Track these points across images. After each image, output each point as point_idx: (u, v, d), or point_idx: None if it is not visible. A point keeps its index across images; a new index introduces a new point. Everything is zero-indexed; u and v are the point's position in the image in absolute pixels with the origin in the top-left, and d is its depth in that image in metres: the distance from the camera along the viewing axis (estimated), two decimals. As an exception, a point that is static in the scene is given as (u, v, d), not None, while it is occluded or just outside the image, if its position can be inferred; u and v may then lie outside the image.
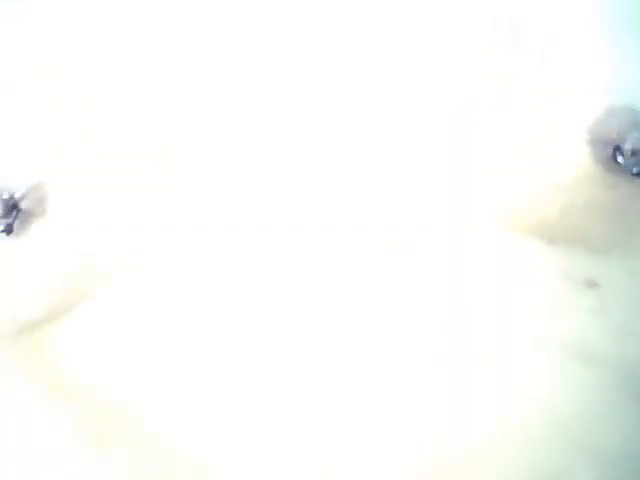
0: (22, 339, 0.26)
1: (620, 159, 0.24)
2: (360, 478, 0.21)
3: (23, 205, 0.25)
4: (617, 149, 0.25)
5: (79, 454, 0.24)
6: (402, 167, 0.26)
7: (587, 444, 0.22)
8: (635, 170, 0.24)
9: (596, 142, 0.25)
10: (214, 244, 0.26)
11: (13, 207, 0.25)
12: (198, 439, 0.23)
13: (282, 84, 0.27)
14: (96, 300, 0.25)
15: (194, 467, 0.22)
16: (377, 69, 0.27)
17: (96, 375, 0.25)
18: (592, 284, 0.25)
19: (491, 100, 0.27)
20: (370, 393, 0.23)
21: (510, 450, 0.22)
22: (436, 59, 0.28)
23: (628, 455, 0.23)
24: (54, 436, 0.25)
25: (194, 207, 0.27)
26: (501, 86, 0.27)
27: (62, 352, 0.25)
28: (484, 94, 0.27)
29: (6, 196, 0.25)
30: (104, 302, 0.25)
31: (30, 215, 0.25)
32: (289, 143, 0.27)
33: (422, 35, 0.28)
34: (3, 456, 0.25)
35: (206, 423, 0.23)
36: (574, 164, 0.25)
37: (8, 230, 0.24)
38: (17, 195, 0.25)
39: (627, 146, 0.24)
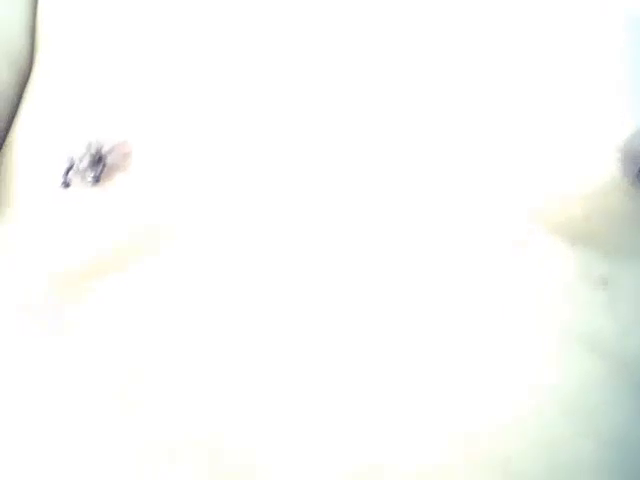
0: (87, 284, 0.28)
1: (644, 175, 0.27)
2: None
3: (109, 159, 0.27)
4: None
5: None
6: (422, 159, 0.28)
7: (592, 426, 0.25)
8: (655, 185, 0.27)
9: (626, 159, 0.27)
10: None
11: (99, 160, 0.27)
12: (215, 410, 0.24)
13: (284, 91, 0.29)
14: (159, 257, 0.27)
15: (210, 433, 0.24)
16: (388, 63, 0.28)
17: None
18: (604, 282, 0.27)
19: (523, 97, 0.29)
20: (379, 384, 0.24)
21: (522, 432, 0.24)
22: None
23: (627, 434, 0.25)
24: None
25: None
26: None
27: (121, 300, 0.27)
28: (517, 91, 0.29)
29: (93, 150, 0.27)
30: (166, 260, 0.27)
31: (115, 168, 0.27)
32: (287, 140, 0.28)
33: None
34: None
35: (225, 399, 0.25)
36: (603, 175, 0.28)
37: (95, 180, 0.27)
38: (104, 149, 0.27)
39: None
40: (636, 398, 0.27)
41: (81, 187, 0.27)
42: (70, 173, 0.27)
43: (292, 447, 0.24)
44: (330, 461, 0.23)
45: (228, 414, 0.24)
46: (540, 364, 0.25)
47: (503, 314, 0.26)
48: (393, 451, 0.23)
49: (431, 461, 0.23)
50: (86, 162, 0.27)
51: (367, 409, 0.24)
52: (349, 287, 0.26)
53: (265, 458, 0.24)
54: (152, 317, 0.26)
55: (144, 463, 0.25)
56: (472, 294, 0.26)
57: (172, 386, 0.25)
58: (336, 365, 0.24)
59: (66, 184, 0.27)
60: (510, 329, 0.26)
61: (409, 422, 0.24)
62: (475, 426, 0.24)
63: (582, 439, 0.24)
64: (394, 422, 0.24)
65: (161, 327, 0.26)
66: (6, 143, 0.31)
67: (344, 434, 0.23)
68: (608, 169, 0.27)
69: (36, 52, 0.32)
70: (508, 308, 0.26)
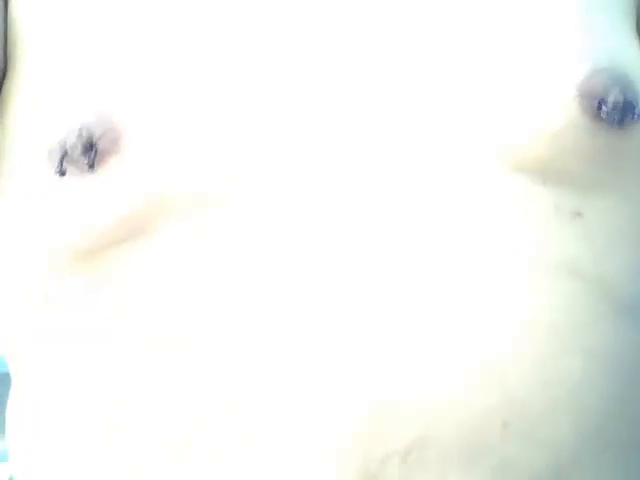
0: (92, 259, 0.29)
1: (604, 111, 0.29)
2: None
3: (100, 145, 0.28)
4: (601, 102, 0.29)
5: None
6: (395, 104, 0.29)
7: (576, 342, 0.27)
8: (616, 120, 0.29)
9: (583, 96, 0.29)
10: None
11: (91, 146, 0.28)
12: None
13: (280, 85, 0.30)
14: (159, 233, 0.28)
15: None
16: (374, 43, 0.30)
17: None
18: (578, 215, 0.29)
19: (487, 45, 0.30)
20: (381, 319, 0.26)
21: (516, 351, 0.26)
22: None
23: (609, 350, 0.27)
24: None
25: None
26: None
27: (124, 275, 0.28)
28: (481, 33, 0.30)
29: (85, 137, 0.28)
30: (166, 236, 0.28)
31: (107, 153, 0.28)
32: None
33: None
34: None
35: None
36: (565, 114, 0.29)
37: (90, 165, 0.28)
38: (95, 135, 0.28)
39: (609, 99, 0.29)
40: (615, 317, 0.28)
41: (76, 174, 0.28)
42: (64, 161, 0.28)
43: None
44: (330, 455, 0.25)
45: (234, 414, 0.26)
46: (524, 291, 0.27)
47: (489, 251, 0.28)
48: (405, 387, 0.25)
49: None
50: (79, 150, 0.28)
51: (374, 353, 0.25)
52: (353, 248, 0.27)
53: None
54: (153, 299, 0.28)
55: (145, 462, 0.26)
56: (458, 237, 0.28)
57: (173, 381, 0.27)
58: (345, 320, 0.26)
59: (62, 172, 0.28)
60: (493, 262, 0.27)
61: (417, 354, 0.25)
62: (474, 348, 0.26)
63: (568, 355, 0.26)
64: (402, 364, 0.25)
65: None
66: None
67: (346, 432, 0.25)
68: (567, 107, 0.29)
69: (16, 49, 0.32)
70: (493, 245, 0.28)
